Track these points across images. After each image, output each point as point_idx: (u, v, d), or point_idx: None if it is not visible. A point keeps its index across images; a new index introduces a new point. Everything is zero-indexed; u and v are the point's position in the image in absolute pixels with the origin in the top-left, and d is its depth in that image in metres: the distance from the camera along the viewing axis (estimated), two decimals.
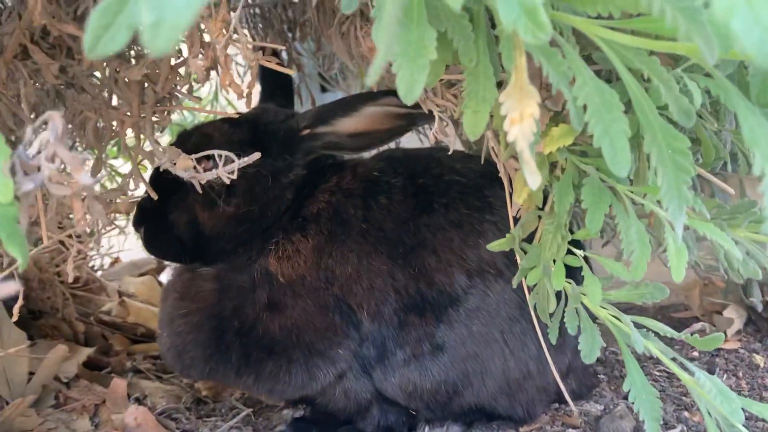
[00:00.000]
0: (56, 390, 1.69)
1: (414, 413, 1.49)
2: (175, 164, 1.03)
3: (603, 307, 1.15)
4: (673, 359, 1.12)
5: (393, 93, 1.37)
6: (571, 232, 1.14)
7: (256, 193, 1.40)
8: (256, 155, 1.10)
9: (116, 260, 2.90)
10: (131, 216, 1.46)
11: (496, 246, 1.19)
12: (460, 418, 1.50)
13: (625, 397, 1.63)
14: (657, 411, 1.10)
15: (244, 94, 1.03)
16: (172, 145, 1.41)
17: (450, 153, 1.69)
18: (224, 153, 1.04)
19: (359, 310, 1.37)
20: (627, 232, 0.92)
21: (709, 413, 1.07)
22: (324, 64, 2.25)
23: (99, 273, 2.75)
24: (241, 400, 1.79)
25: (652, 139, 0.71)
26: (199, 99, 1.31)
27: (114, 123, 1.21)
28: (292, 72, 1.20)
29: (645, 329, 1.15)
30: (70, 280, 1.30)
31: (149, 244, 1.46)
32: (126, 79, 1.07)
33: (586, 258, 1.14)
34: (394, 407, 1.47)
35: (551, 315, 1.21)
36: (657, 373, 1.78)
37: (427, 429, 1.50)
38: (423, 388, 1.39)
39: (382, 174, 1.47)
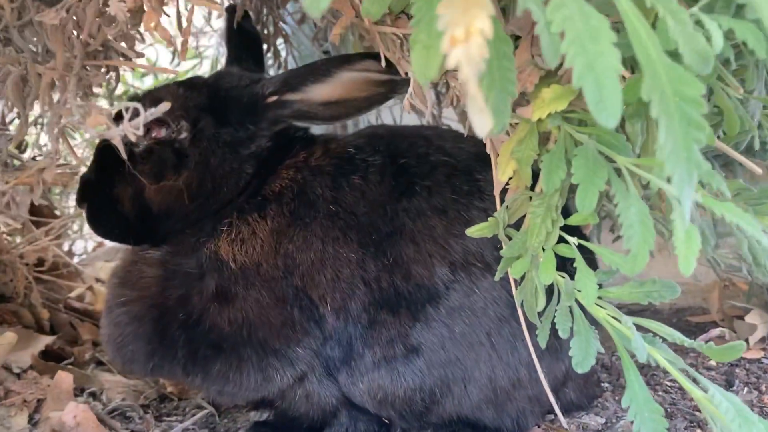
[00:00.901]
0: (2, 381, 1.54)
1: (388, 422, 1.32)
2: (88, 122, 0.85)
3: (601, 306, 0.97)
4: (684, 371, 0.93)
5: (372, 56, 1.21)
6: (566, 216, 0.96)
7: (211, 165, 1.24)
8: (164, 106, 0.92)
9: (100, 245, 2.77)
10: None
11: (476, 231, 1.02)
12: (440, 429, 1.33)
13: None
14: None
15: (175, 43, 0.86)
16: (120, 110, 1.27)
17: (441, 131, 1.53)
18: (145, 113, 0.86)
19: (322, 303, 1.20)
20: (626, 213, 0.74)
21: None
22: (318, 37, 2.09)
23: (77, 258, 2.62)
24: (208, 398, 1.62)
25: (653, 82, 0.53)
26: (143, 55, 1.14)
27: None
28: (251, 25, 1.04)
29: (651, 334, 0.97)
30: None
31: (93, 222, 1.30)
32: (42, 24, 0.90)
33: (581, 247, 0.96)
34: (364, 414, 1.30)
35: (541, 314, 1.03)
36: (668, 383, 1.59)
37: None
38: (395, 395, 1.22)
39: (358, 151, 1.30)
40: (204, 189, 1.24)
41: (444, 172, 1.27)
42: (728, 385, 1.55)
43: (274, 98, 1.25)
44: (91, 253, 2.74)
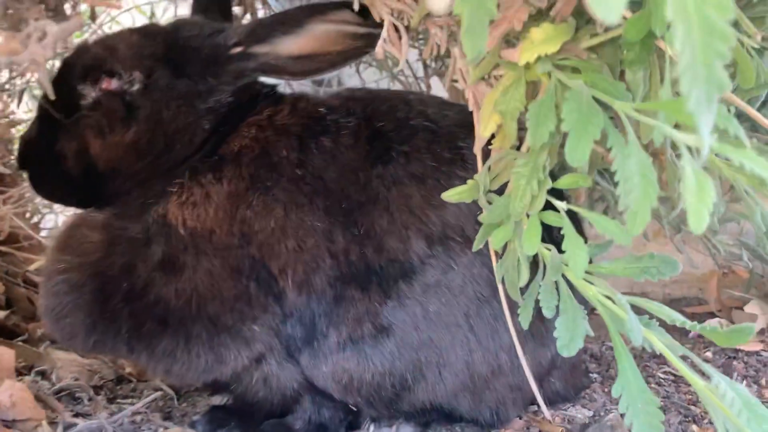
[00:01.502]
0: None
1: (355, 409, 1.20)
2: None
3: (591, 282, 0.86)
4: (685, 358, 0.82)
5: (347, 6, 1.09)
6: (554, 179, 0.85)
7: (163, 119, 1.12)
8: (74, 22, 0.81)
9: None
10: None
11: (454, 195, 0.91)
12: (413, 418, 1.21)
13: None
14: (657, 426, 0.80)
15: None
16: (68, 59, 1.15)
17: (424, 96, 1.41)
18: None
19: (282, 277, 1.08)
20: (624, 165, 0.62)
21: (727, 431, 0.78)
22: None
23: (45, 232, 2.49)
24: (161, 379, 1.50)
25: None
26: None
27: None
28: None
29: (647, 316, 0.86)
30: None
31: (35, 181, 1.19)
32: None
33: (572, 217, 0.84)
34: (330, 401, 1.18)
35: (523, 291, 0.92)
36: (662, 376, 1.48)
37: (372, 428, 1.21)
38: (362, 379, 1.10)
39: (330, 111, 1.18)
40: (155, 145, 1.13)
41: (424, 137, 1.15)
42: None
43: (238, 50, 1.13)
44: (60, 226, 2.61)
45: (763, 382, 1.41)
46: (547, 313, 0.86)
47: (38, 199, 2.53)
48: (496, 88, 0.84)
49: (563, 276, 0.87)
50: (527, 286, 0.90)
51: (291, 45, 1.11)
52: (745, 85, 0.82)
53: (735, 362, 1.53)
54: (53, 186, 1.19)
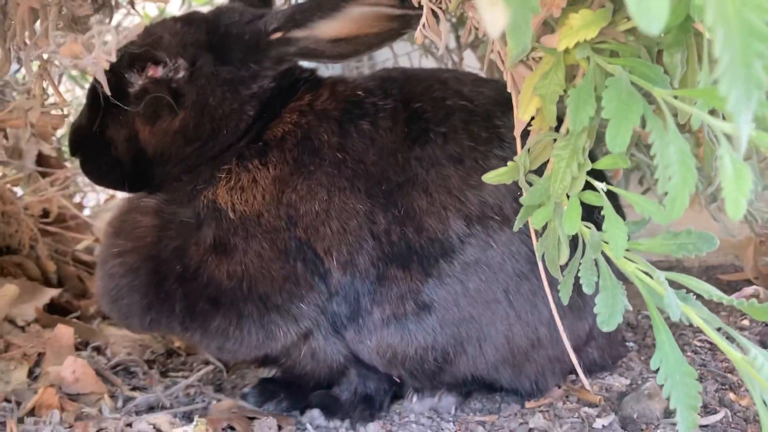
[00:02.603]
0: (5, 335, 1.50)
1: (399, 380, 1.25)
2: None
3: (630, 260, 0.88)
4: (720, 330, 0.85)
5: None
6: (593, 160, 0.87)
7: (209, 105, 1.16)
8: (138, 27, 0.83)
9: (112, 197, 2.71)
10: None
11: (494, 177, 0.93)
12: (455, 389, 1.26)
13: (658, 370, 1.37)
14: (695, 397, 0.83)
15: None
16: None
17: (459, 74, 1.42)
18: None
19: (327, 257, 1.12)
20: (664, 152, 0.64)
21: (764, 402, 0.81)
22: None
23: (88, 211, 2.57)
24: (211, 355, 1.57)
25: None
26: None
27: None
28: None
29: (684, 290, 0.88)
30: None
31: (86, 167, 1.24)
32: None
33: (610, 194, 0.87)
34: (374, 373, 1.23)
35: (563, 268, 0.95)
36: (698, 344, 1.50)
37: (415, 398, 1.27)
38: (405, 354, 1.15)
39: (368, 95, 1.21)
40: (202, 131, 1.16)
41: (461, 117, 1.17)
42: (762, 346, 1.46)
43: (278, 35, 1.16)
44: (102, 205, 2.69)
45: None
46: (587, 289, 0.89)
47: (80, 178, 2.61)
48: (536, 72, 0.86)
49: (602, 253, 0.89)
50: (567, 263, 0.93)
51: (329, 28, 1.13)
52: None
53: None
54: (104, 171, 1.23)
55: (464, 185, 1.12)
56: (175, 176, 1.19)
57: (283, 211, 1.12)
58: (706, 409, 1.18)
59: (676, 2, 0.70)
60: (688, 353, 1.45)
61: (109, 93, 1.01)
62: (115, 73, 1.15)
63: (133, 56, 1.15)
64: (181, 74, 1.16)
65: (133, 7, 1.36)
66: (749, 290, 1.70)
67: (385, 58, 2.54)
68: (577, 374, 1.34)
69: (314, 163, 1.14)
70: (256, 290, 1.11)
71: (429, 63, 2.14)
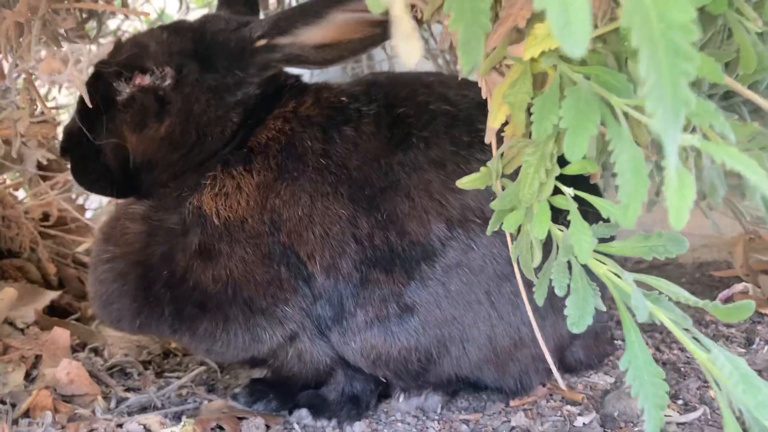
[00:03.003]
0: (5, 337, 1.53)
1: (385, 381, 1.27)
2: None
3: (601, 262, 0.91)
4: (688, 330, 0.87)
5: None
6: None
7: (194, 112, 1.18)
8: (106, 47, 0.86)
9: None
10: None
11: (468, 183, 0.95)
12: (440, 388, 1.28)
13: None
14: (662, 396, 0.85)
15: None
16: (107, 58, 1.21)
17: (445, 77, 1.44)
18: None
19: (310, 261, 1.14)
20: (619, 160, 0.66)
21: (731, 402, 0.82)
22: None
23: (90, 213, 2.60)
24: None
25: (635, 4, 0.46)
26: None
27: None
28: None
29: (657, 292, 0.90)
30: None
31: (76, 173, 1.26)
32: None
33: (578, 198, 0.89)
34: (360, 374, 1.25)
35: (539, 270, 0.97)
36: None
37: (402, 398, 1.29)
38: (389, 355, 1.17)
39: (352, 100, 1.23)
40: (187, 138, 1.19)
41: (443, 122, 1.19)
42: (748, 343, 1.48)
43: (263, 42, 1.18)
44: (105, 207, 2.72)
45: None
46: (559, 291, 0.91)
47: None
48: (505, 80, 0.88)
49: (575, 256, 0.91)
50: (541, 265, 0.95)
51: (313, 35, 1.15)
52: (747, 70, 0.84)
53: (759, 327, 1.56)
54: (93, 177, 1.25)
55: (445, 189, 1.14)
56: (162, 183, 1.22)
57: (266, 217, 1.14)
58: (687, 407, 1.20)
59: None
60: (675, 351, 1.47)
61: (90, 104, 1.04)
62: (103, 81, 1.18)
63: (121, 65, 1.17)
64: (168, 82, 1.18)
65: (126, 17, 1.39)
66: (739, 287, 1.72)
67: (381, 58, 2.56)
68: (564, 372, 1.37)
69: (298, 169, 1.16)
70: (241, 294, 1.14)
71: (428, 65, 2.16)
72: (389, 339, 1.16)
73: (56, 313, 1.79)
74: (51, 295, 1.78)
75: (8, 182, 1.87)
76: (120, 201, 1.30)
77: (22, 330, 1.63)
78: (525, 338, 1.19)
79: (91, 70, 0.84)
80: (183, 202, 1.18)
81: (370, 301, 1.15)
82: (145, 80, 1.18)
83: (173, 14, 2.37)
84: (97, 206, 2.87)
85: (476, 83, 1.32)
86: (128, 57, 1.18)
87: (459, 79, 1.07)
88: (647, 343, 1.49)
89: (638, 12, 0.46)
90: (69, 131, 1.24)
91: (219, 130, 1.20)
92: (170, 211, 1.19)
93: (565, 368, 1.38)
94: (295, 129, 1.19)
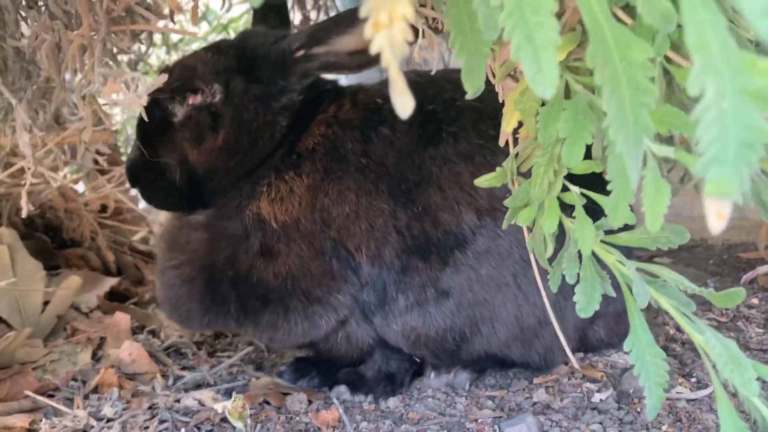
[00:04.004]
0: (72, 321, 1.69)
1: (419, 360, 1.38)
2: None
3: (609, 252, 0.99)
4: (685, 315, 0.95)
5: None
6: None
7: (245, 120, 1.28)
8: (162, 78, 0.97)
9: None
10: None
11: (485, 181, 1.04)
12: (470, 365, 1.39)
13: (663, 349, 1.46)
14: (662, 375, 0.94)
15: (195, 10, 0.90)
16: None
17: None
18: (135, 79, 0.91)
19: (358, 253, 1.25)
20: (609, 166, 0.75)
21: (722, 382, 0.91)
22: None
23: (142, 204, 2.75)
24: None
25: (599, 48, 0.54)
26: (166, 17, 1.18)
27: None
28: None
29: (662, 279, 0.99)
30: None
31: (147, 197, 1.38)
32: None
33: (585, 195, 0.97)
34: (396, 353, 1.36)
35: (552, 259, 1.05)
36: (705, 322, 1.58)
37: (433, 375, 1.39)
38: (427, 335, 1.28)
39: (385, 101, 1.32)
40: (241, 144, 1.29)
41: (470, 117, 1.28)
42: (767, 323, 1.54)
43: (301, 52, 1.27)
44: None
45: None
46: (570, 279, 1.00)
47: None
48: (516, 88, 0.96)
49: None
50: (554, 255, 1.03)
51: (347, 42, 1.23)
52: None
53: None
54: (164, 196, 1.37)
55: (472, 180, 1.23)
56: (222, 191, 1.32)
57: (317, 215, 1.25)
58: (699, 384, 1.27)
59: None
60: (685, 335, 1.53)
61: (149, 128, 1.17)
62: (159, 106, 1.29)
63: (174, 89, 1.27)
64: (218, 97, 1.28)
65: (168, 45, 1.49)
66: (763, 268, 1.78)
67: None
68: (585, 352, 1.46)
69: (342, 169, 1.26)
70: (299, 286, 1.25)
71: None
72: (428, 320, 1.26)
73: (116, 298, 1.94)
74: (111, 282, 1.92)
75: (69, 177, 2.01)
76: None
77: (86, 314, 1.78)
78: (549, 317, 1.28)
79: (145, 98, 0.95)
80: (243, 209, 1.28)
81: (411, 287, 1.25)
82: (197, 99, 1.28)
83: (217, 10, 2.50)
84: None
85: None
86: (179, 80, 1.28)
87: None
88: (668, 324, 1.57)
89: (601, 52, 0.55)
90: (131, 164, 1.35)
91: (269, 134, 1.30)
92: (231, 219, 1.29)
93: (588, 347, 1.47)
94: (337, 133, 1.29)
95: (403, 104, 0.46)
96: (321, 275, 1.26)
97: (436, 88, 1.34)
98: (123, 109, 2.15)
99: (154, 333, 1.72)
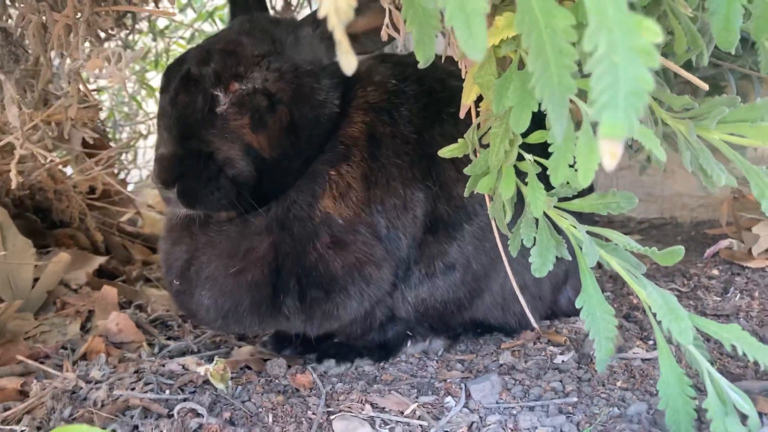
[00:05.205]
0: (60, 295, 1.75)
1: (410, 333, 1.45)
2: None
3: (563, 218, 1.06)
4: (632, 274, 1.02)
5: None
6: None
7: (304, 94, 1.27)
8: (138, 53, 1.01)
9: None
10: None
11: (447, 152, 1.11)
12: (443, 332, 1.47)
13: (625, 316, 1.54)
14: (611, 330, 1.01)
15: None
16: (184, 67, 1.23)
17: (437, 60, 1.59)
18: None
19: (404, 235, 1.32)
20: (553, 131, 0.82)
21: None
22: None
23: (130, 186, 2.81)
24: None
25: (526, 16, 0.61)
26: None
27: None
28: None
29: (614, 243, 1.06)
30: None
31: (193, 197, 1.20)
32: None
33: (539, 163, 1.04)
34: (394, 323, 1.43)
35: (511, 225, 1.13)
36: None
37: (410, 343, 1.46)
38: (434, 306, 1.38)
39: (398, 82, 1.38)
40: (306, 119, 1.27)
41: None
42: (724, 292, 1.62)
43: (320, 32, 1.30)
44: (145, 180, 2.94)
45: (756, 294, 1.57)
46: (527, 242, 1.07)
47: (123, 156, 2.85)
48: (476, 64, 1.03)
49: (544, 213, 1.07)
50: (513, 221, 1.10)
51: (359, 24, 1.25)
52: (679, 50, 0.98)
53: (738, 278, 1.70)
54: (217, 196, 1.21)
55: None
56: (284, 187, 1.28)
57: (374, 207, 1.29)
58: (654, 346, 1.35)
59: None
60: None
61: (196, 116, 1.17)
62: (204, 95, 1.21)
63: (217, 75, 1.21)
64: (268, 77, 1.23)
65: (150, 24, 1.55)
66: (724, 243, 1.86)
67: None
68: (551, 319, 1.53)
69: (381, 153, 1.31)
70: (363, 273, 1.28)
71: None
72: (434, 292, 1.35)
73: (104, 276, 2.00)
74: (99, 260, 1.98)
75: (57, 160, 2.07)
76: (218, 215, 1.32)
77: (75, 290, 1.84)
78: (528, 282, 1.38)
79: (126, 72, 0.99)
80: (307, 210, 1.27)
81: (423, 260, 1.34)
82: (243, 85, 1.22)
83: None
84: (138, 179, 3.10)
85: None
86: (221, 65, 1.21)
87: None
88: (632, 294, 1.64)
89: (528, 20, 0.62)
90: (171, 160, 1.19)
91: (327, 111, 1.30)
92: (296, 220, 1.27)
93: (559, 312, 1.56)
94: (372, 119, 1.33)
95: (348, 62, 0.53)
96: (381, 260, 1.30)
97: (425, 68, 1.41)
98: (111, 93, 2.20)
99: (141, 308, 1.78)
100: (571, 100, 0.89)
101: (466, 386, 1.22)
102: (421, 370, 1.35)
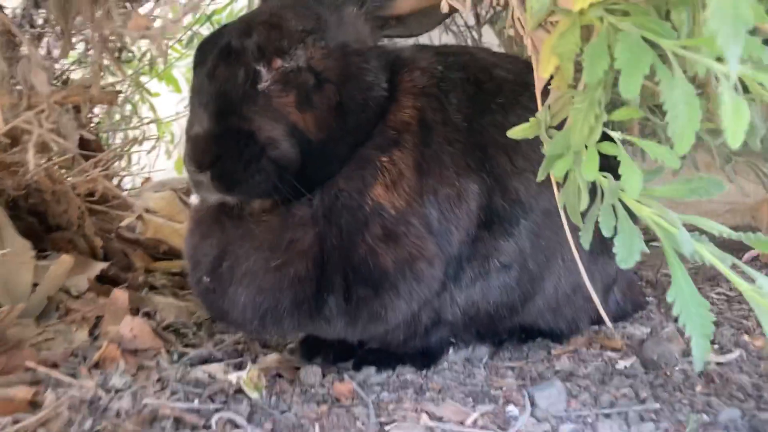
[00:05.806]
0: (62, 302, 1.61)
1: (453, 341, 1.34)
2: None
3: (646, 205, 0.96)
4: (734, 266, 0.92)
5: None
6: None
7: (352, 73, 1.18)
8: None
9: (147, 180, 2.83)
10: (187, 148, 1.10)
11: (518, 132, 1.01)
12: (488, 339, 1.36)
13: (676, 320, 1.44)
14: (707, 326, 0.91)
15: None
16: (223, 40, 1.15)
17: (476, 49, 1.52)
18: None
19: (457, 230, 1.20)
20: (670, 95, 0.72)
21: None
22: None
23: (126, 192, 2.68)
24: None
25: None
26: None
27: None
28: None
29: (697, 232, 0.96)
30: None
31: (230, 180, 1.10)
32: None
33: (625, 143, 0.95)
34: (439, 328, 1.30)
35: (584, 215, 1.03)
36: (714, 296, 1.58)
37: (451, 350, 1.35)
38: (487, 311, 1.26)
39: (444, 68, 1.29)
40: (353, 99, 1.18)
41: (510, 88, 1.30)
42: None
43: (365, 13, 1.23)
44: (141, 186, 2.81)
45: None
46: (606, 233, 0.97)
47: (117, 162, 2.72)
48: (554, 33, 0.93)
49: (620, 200, 0.97)
50: (587, 210, 1.01)
51: (406, 5, 1.22)
52: None
53: None
54: (258, 179, 1.11)
55: (529, 148, 1.20)
56: (329, 173, 1.18)
57: (425, 198, 1.18)
58: (722, 350, 1.26)
59: None
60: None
61: (237, 92, 1.07)
62: (245, 69, 1.12)
63: (261, 50, 1.12)
64: (314, 54, 1.15)
65: None
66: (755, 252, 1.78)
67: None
68: (599, 324, 1.44)
69: (432, 141, 1.20)
70: (414, 269, 1.16)
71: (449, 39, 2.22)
72: (487, 294, 1.24)
73: (105, 282, 1.86)
74: (100, 266, 1.84)
75: (56, 159, 1.93)
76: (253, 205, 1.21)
77: (76, 297, 1.70)
78: (582, 283, 1.26)
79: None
80: (357, 199, 1.16)
81: (476, 258, 1.22)
82: (286, 61, 1.13)
83: None
84: (130, 186, 2.96)
85: (506, 54, 1.38)
86: (265, 40, 1.13)
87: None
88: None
89: None
90: (207, 138, 1.09)
91: (376, 93, 1.20)
92: (345, 209, 1.17)
93: (606, 314, 1.46)
94: (423, 104, 1.23)
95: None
96: (433, 255, 1.18)
97: (466, 58, 1.35)
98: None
99: (149, 315, 1.65)
100: None
101: (529, 393, 1.11)
102: (469, 378, 1.25)
